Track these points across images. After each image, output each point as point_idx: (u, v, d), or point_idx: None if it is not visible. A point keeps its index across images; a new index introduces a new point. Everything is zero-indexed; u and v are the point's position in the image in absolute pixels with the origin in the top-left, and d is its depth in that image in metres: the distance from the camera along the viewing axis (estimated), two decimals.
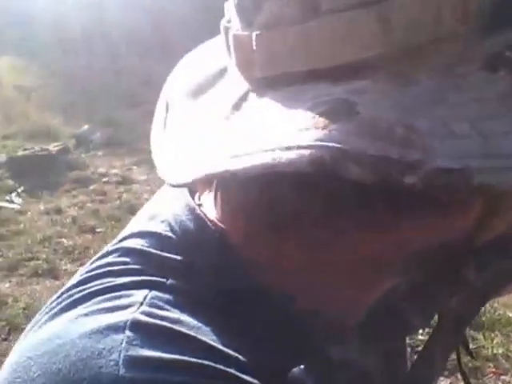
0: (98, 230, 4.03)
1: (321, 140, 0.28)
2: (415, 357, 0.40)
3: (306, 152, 0.28)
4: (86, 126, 6.07)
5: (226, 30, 0.37)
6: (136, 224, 0.43)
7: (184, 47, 0.52)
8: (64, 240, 3.91)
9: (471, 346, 2.02)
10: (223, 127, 0.35)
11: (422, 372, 0.38)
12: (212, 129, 0.35)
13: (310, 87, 0.32)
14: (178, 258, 0.38)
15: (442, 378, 2.51)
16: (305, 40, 0.32)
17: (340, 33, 0.31)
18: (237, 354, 0.33)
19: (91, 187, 4.86)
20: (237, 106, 0.35)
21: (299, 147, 0.28)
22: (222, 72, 0.39)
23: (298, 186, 0.33)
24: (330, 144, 0.28)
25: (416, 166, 0.27)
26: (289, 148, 0.29)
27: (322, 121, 0.29)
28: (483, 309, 2.99)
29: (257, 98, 0.34)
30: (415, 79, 0.30)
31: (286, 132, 0.30)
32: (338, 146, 0.28)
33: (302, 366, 0.36)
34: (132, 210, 3.57)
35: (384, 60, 0.30)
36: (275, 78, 0.34)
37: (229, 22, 0.37)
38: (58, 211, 4.38)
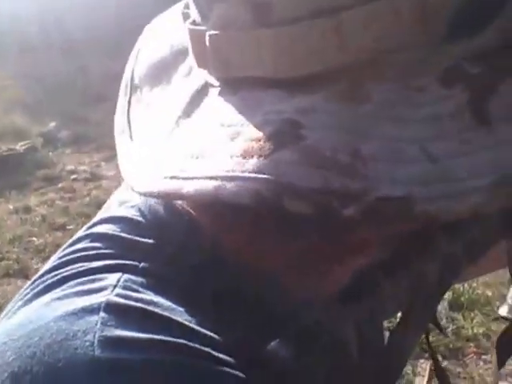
0: (68, 227, 4.03)
1: (260, 171, 0.28)
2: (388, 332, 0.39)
3: (245, 184, 0.28)
4: (52, 124, 6.00)
5: (185, 16, 0.37)
6: (106, 211, 0.44)
7: None
8: (34, 239, 3.89)
9: (451, 327, 2.02)
10: (174, 132, 0.35)
11: (395, 346, 0.37)
12: (165, 131, 0.35)
13: (268, 96, 0.31)
14: (150, 241, 0.38)
15: (422, 360, 2.50)
16: (256, 48, 0.31)
17: (291, 43, 0.29)
18: (211, 334, 0.34)
19: (60, 185, 4.84)
20: (192, 104, 0.35)
21: (239, 178, 0.28)
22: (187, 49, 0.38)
23: None
24: (269, 177, 0.28)
25: (358, 197, 0.26)
26: (231, 178, 0.29)
27: (266, 146, 0.29)
28: (462, 289, 2.98)
29: (212, 98, 0.34)
30: (367, 95, 0.28)
31: (230, 155, 0.30)
32: (276, 178, 0.27)
33: (277, 340, 0.35)
34: (102, 206, 3.51)
35: (338, 72, 0.29)
36: (232, 80, 0.33)
37: (186, 7, 0.37)
38: (28, 210, 4.34)
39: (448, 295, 2.95)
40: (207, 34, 0.33)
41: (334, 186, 0.27)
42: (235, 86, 0.33)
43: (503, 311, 0.49)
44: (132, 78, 0.42)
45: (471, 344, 2.69)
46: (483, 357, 2.61)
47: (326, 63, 0.29)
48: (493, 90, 0.27)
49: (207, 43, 0.33)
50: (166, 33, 0.42)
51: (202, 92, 0.35)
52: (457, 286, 3.03)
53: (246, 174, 0.28)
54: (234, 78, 0.33)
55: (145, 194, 0.35)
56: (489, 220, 0.39)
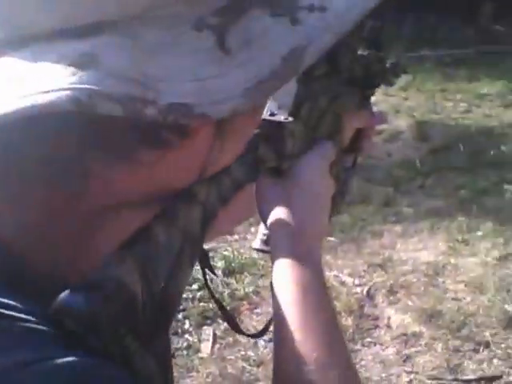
0: None
1: (75, 83, 0.32)
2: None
3: (64, 93, 0.32)
4: None
5: None
6: None
7: None
8: None
9: (227, 291, 2.36)
10: None
11: (171, 284, 0.41)
12: None
13: (58, 44, 0.34)
14: None
15: (205, 327, 2.81)
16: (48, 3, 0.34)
17: None
18: (13, 303, 0.35)
19: None
20: None
21: (57, 90, 0.32)
22: None
23: (52, 134, 0.36)
24: (84, 86, 0.32)
25: (153, 102, 0.33)
26: (47, 92, 0.32)
27: (72, 70, 0.32)
28: (232, 256, 3.39)
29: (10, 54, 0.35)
30: (145, 36, 0.34)
31: (41, 80, 0.32)
32: (92, 87, 0.32)
33: (67, 291, 0.36)
34: None
35: (120, 21, 0.34)
36: (18, 38, 0.35)
37: None
38: None
39: (221, 264, 3.35)
40: None
41: (136, 93, 0.33)
42: (26, 41, 0.35)
43: (256, 244, 0.63)
44: None
45: (244, 302, 3.12)
46: (255, 310, 3.06)
47: (109, 14, 0.34)
48: (229, 29, 0.35)
49: None
50: None
51: None
52: (227, 253, 3.45)
53: (62, 86, 0.32)
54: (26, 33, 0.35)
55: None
56: (234, 170, 0.49)
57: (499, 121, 5.88)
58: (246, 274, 3.34)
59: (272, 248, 0.58)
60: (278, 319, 0.52)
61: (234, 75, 0.35)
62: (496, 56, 8.68)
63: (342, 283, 3.38)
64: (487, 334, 2.92)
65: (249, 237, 3.76)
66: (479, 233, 3.89)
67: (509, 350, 2.82)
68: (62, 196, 0.39)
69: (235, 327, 0.70)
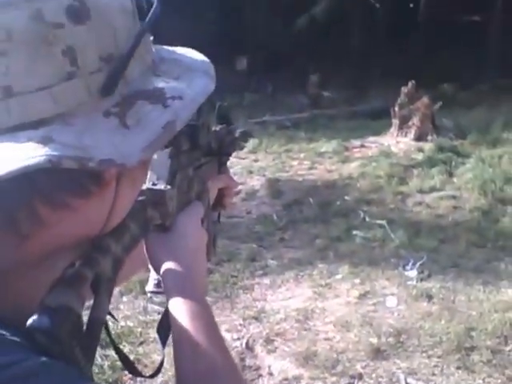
0: None
1: (48, 151, 0.48)
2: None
3: (43, 158, 0.47)
4: None
5: None
6: None
7: None
8: None
9: (107, 363, 2.27)
10: None
11: (94, 318, 0.57)
12: None
13: (20, 134, 0.49)
14: None
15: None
16: (6, 111, 0.50)
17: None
18: None
19: None
20: None
21: (39, 156, 0.47)
22: None
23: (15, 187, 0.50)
24: (53, 153, 0.48)
25: (92, 159, 0.49)
26: (34, 157, 0.47)
27: (40, 145, 0.48)
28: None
29: None
30: (76, 123, 0.51)
31: (20, 152, 0.47)
32: (57, 153, 0.48)
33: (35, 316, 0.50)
34: None
35: (58, 115, 0.51)
36: None
37: None
38: None
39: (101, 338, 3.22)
40: None
41: (81, 154, 0.49)
42: None
43: (149, 288, 0.70)
44: None
45: (126, 372, 3.02)
46: (138, 379, 2.98)
47: (51, 113, 0.51)
48: (125, 114, 0.53)
49: None
50: None
51: None
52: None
53: (41, 153, 0.48)
54: None
55: None
56: (136, 224, 0.66)
57: (339, 174, 6.50)
58: (124, 343, 3.26)
59: (165, 289, 0.72)
60: (176, 339, 0.67)
61: (135, 140, 0.53)
62: (327, 118, 9.64)
63: None
64: (358, 366, 3.15)
65: (121, 306, 3.69)
66: (338, 276, 4.22)
67: (379, 379, 3.06)
68: (9, 238, 0.54)
69: (132, 369, 0.74)
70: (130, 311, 3.63)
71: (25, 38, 0.49)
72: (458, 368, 3.10)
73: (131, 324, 3.38)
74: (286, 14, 13.28)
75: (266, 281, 4.19)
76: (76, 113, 0.52)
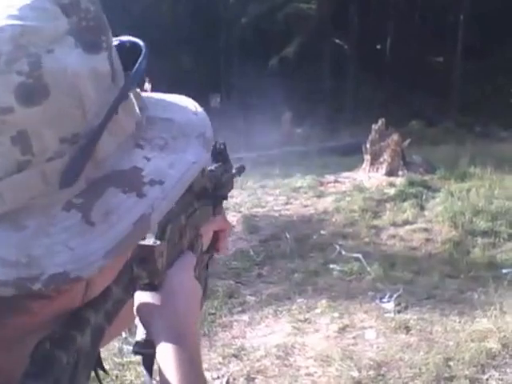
0: None
1: None
2: None
3: None
4: None
5: None
6: None
7: None
8: None
9: None
10: None
11: None
12: None
13: None
14: None
15: None
16: None
17: None
18: None
19: None
20: None
21: None
22: None
23: None
24: None
25: (37, 278, 0.43)
26: None
27: None
28: None
29: None
30: (26, 224, 0.44)
31: None
32: None
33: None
34: None
35: (4, 214, 0.44)
36: None
37: None
38: None
39: None
40: None
41: (23, 274, 0.42)
42: None
43: (137, 347, 0.65)
44: None
45: None
46: None
47: None
48: (91, 207, 0.45)
49: None
50: None
51: None
52: None
53: None
54: None
55: None
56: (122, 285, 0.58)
57: (315, 209, 6.59)
58: None
59: (157, 343, 0.65)
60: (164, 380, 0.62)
61: (97, 242, 0.44)
62: (300, 155, 9.80)
63: None
64: None
65: None
66: (317, 310, 4.24)
67: None
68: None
69: None
70: (104, 353, 3.57)
71: None
72: None
73: (106, 367, 3.32)
74: (258, 55, 13.62)
75: (245, 317, 4.18)
76: (28, 208, 0.44)
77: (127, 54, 0.51)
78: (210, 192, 0.84)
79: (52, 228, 0.44)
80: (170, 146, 0.52)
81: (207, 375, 3.41)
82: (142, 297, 0.67)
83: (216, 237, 0.87)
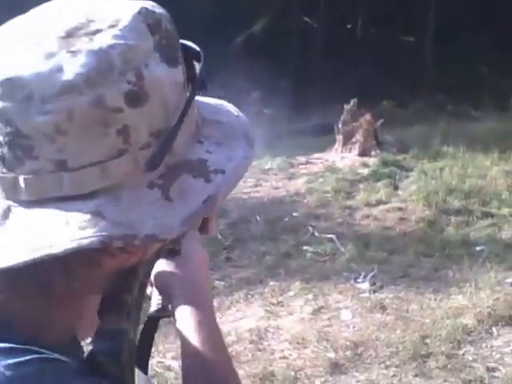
0: None
1: (97, 232, 0.52)
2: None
3: (95, 239, 0.52)
4: None
5: None
6: None
7: None
8: None
9: None
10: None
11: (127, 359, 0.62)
12: None
13: (69, 205, 0.53)
14: None
15: None
16: (59, 183, 0.53)
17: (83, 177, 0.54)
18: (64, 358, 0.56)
19: None
20: (5, 216, 0.54)
21: (91, 236, 0.52)
22: None
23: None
24: (102, 233, 0.52)
25: (136, 236, 0.53)
26: (86, 238, 0.52)
27: (91, 223, 0.52)
28: None
29: (24, 211, 0.54)
30: (122, 196, 0.54)
31: (75, 228, 0.52)
32: (106, 233, 0.52)
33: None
34: None
35: (106, 188, 0.54)
36: (38, 201, 0.53)
37: None
38: None
39: None
40: (21, 177, 0.53)
41: (128, 232, 0.53)
42: (43, 202, 0.54)
43: (152, 311, 0.75)
44: None
45: None
46: None
47: (95, 187, 0.54)
48: (169, 187, 0.56)
49: (21, 182, 0.53)
50: None
51: (7, 210, 0.55)
52: None
53: (91, 234, 0.52)
54: (42, 199, 0.54)
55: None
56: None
57: (286, 191, 6.45)
58: None
59: (174, 300, 0.75)
60: (185, 352, 0.72)
61: (175, 214, 0.55)
62: (270, 136, 9.64)
63: (168, 368, 3.25)
64: (318, 383, 3.04)
65: None
66: (291, 293, 4.12)
67: None
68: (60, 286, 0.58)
69: None
70: None
71: (84, 121, 0.52)
72: (416, 376, 3.08)
73: None
74: (222, 33, 13.36)
75: (214, 303, 4.02)
76: (123, 185, 0.55)
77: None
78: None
79: (140, 201, 0.54)
80: (224, 143, 0.61)
81: (175, 364, 3.26)
82: (159, 268, 0.77)
83: (206, 220, 0.95)
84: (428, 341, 3.35)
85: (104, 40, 0.53)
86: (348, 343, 3.35)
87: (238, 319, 3.80)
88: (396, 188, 6.27)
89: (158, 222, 0.54)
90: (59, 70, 0.51)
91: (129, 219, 0.53)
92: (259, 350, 3.41)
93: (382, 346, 3.32)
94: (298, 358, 3.28)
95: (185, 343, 0.71)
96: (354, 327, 3.58)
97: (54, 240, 0.52)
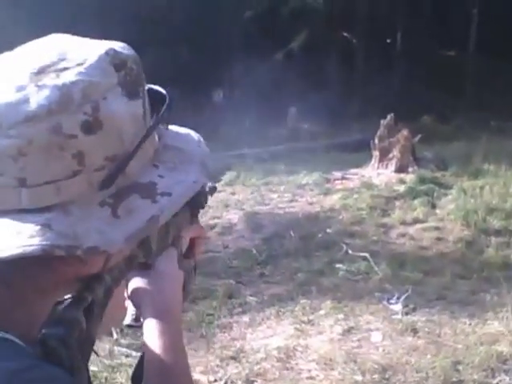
0: None
1: (42, 241, 0.57)
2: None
3: (38, 247, 0.57)
4: None
5: None
6: None
7: None
8: None
9: None
10: None
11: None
12: None
13: (24, 217, 0.59)
14: None
15: None
16: (18, 197, 0.59)
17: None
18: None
19: None
20: None
21: (35, 245, 0.57)
22: None
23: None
24: (47, 243, 0.57)
25: (79, 247, 0.59)
26: (31, 245, 0.57)
27: (39, 233, 0.58)
28: None
29: None
30: (73, 211, 0.60)
31: (24, 237, 0.57)
32: (51, 242, 0.57)
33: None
34: None
35: (60, 204, 0.60)
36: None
37: None
38: None
39: None
40: None
41: (72, 243, 0.58)
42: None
43: (127, 321, 0.77)
44: None
45: None
46: None
47: (53, 201, 0.60)
48: (118, 206, 0.61)
49: None
50: None
51: None
52: None
53: (36, 243, 0.57)
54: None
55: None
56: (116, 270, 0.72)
57: (321, 206, 6.40)
58: None
59: (144, 315, 0.80)
60: (148, 359, 0.76)
61: (121, 230, 0.61)
62: (307, 151, 9.60)
63: (197, 382, 3.24)
64: None
65: None
66: (321, 312, 4.07)
67: None
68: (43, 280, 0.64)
69: None
70: (93, 355, 3.41)
71: (42, 145, 0.58)
72: None
73: (95, 368, 3.17)
74: (262, 49, 13.41)
75: (245, 318, 4.02)
76: (75, 201, 0.61)
77: (154, 97, 0.70)
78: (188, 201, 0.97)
79: (89, 217, 0.60)
80: (178, 168, 0.69)
81: (204, 378, 3.26)
82: (134, 282, 0.82)
83: (193, 244, 1.00)
84: (460, 367, 3.24)
85: (69, 77, 0.60)
86: (376, 366, 3.28)
87: (268, 336, 3.78)
88: (433, 206, 6.14)
89: (103, 236, 0.60)
90: (26, 101, 0.58)
91: (75, 232, 0.59)
92: (286, 368, 3.37)
93: (412, 371, 3.23)
94: (325, 378, 3.23)
95: (146, 350, 0.77)
96: (383, 350, 3.50)
97: (5, 245, 0.58)
